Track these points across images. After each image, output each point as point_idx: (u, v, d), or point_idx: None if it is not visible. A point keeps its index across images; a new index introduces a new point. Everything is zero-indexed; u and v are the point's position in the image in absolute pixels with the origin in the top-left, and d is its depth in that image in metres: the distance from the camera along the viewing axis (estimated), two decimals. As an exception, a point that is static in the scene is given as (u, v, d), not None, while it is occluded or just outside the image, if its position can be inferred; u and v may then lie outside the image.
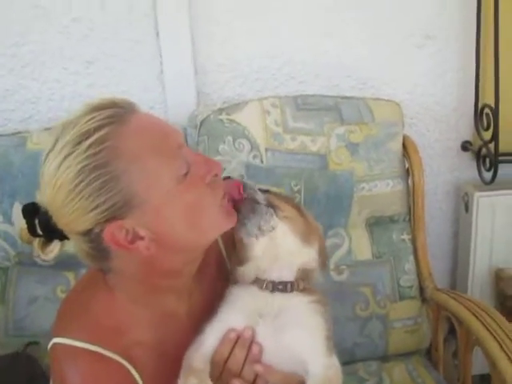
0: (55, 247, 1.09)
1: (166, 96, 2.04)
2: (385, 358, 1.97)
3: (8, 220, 1.80)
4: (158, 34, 1.99)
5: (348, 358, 1.87)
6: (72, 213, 0.99)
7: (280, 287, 1.14)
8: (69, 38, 1.98)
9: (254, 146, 1.85)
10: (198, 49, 2.03)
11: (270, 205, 1.14)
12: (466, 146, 2.29)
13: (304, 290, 1.16)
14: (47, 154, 1.01)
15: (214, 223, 1.09)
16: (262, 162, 1.84)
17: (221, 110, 1.87)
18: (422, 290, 1.99)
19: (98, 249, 1.05)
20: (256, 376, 1.11)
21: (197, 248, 1.12)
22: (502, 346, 1.57)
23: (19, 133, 1.89)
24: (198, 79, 2.05)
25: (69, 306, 1.17)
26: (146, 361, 1.12)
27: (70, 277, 1.83)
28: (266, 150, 1.85)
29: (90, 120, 0.99)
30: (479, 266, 2.26)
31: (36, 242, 1.09)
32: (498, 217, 2.22)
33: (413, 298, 1.97)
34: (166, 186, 1.01)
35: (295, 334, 1.11)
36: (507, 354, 1.54)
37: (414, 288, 1.97)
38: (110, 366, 1.08)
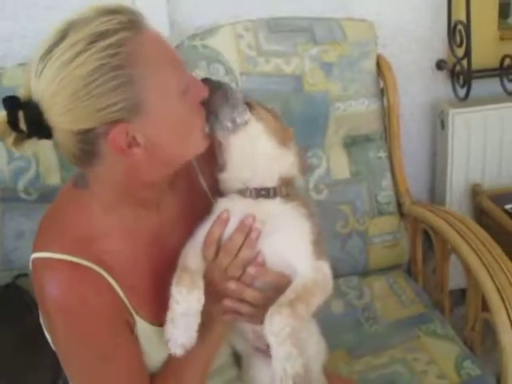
0: (31, 145, 1.07)
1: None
2: (366, 274, 2.03)
3: (-10, 157, 1.81)
4: (127, -36, 1.97)
5: (330, 274, 1.93)
6: (79, 110, 0.99)
7: (263, 193, 1.17)
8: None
9: (228, 71, 1.86)
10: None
11: (247, 103, 1.17)
12: (440, 65, 2.31)
13: (287, 196, 1.18)
14: (50, 50, 0.99)
15: (198, 141, 1.14)
16: (237, 85, 1.85)
17: (194, 36, 1.88)
18: (399, 205, 2.04)
19: (88, 151, 1.06)
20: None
21: (179, 162, 1.15)
22: (475, 252, 1.63)
23: (-6, 70, 1.88)
24: (170, 7, 2.03)
25: (43, 223, 1.20)
26: (120, 268, 1.15)
27: (55, 209, 1.85)
28: (241, 74, 1.87)
29: (106, 21, 0.99)
30: (456, 182, 2.31)
31: (12, 136, 1.06)
32: (473, 133, 2.26)
33: (391, 213, 2.02)
34: (172, 97, 1.05)
35: (281, 237, 1.15)
36: (481, 259, 1.61)
37: (391, 204, 2.02)
38: (84, 273, 1.11)
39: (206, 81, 1.16)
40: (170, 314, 1.12)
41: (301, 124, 1.90)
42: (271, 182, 1.18)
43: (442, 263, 1.87)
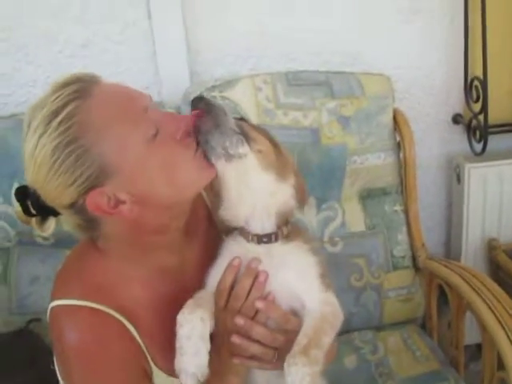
0: (51, 223, 1.14)
1: (160, 76, 2.07)
2: (380, 328, 2.02)
3: (7, 201, 1.83)
4: (149, 16, 2.01)
5: (344, 328, 1.90)
6: (55, 188, 1.04)
7: (265, 240, 1.17)
8: (62, 21, 2.00)
9: (246, 122, 1.87)
10: (189, 29, 2.05)
11: (244, 133, 1.13)
12: (457, 119, 2.32)
13: (288, 236, 1.18)
14: (25, 137, 1.05)
15: (191, 178, 1.12)
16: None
17: (213, 88, 1.90)
18: (414, 259, 2.03)
19: (87, 219, 1.10)
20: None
21: (179, 203, 1.15)
22: (491, 309, 1.61)
23: (16, 115, 1.91)
24: (191, 59, 2.07)
25: (63, 272, 1.21)
26: (141, 316, 1.16)
27: (70, 255, 1.87)
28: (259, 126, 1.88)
29: (57, 98, 1.03)
30: (472, 236, 2.30)
31: (33, 221, 1.13)
32: (489, 187, 2.26)
33: (406, 267, 2.02)
34: (136, 149, 1.05)
35: (289, 273, 1.15)
36: (496, 316, 1.59)
37: (407, 258, 2.02)
38: (104, 319, 1.12)
39: (197, 100, 1.16)
40: (177, 343, 1.10)
41: (318, 176, 1.91)
42: (270, 222, 1.16)
43: (457, 319, 1.85)
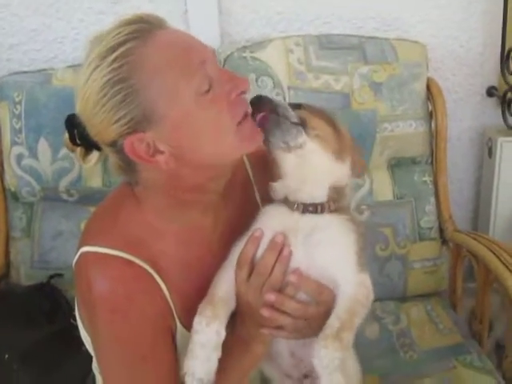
0: (94, 157, 1.14)
1: (191, 35, 2.04)
2: (403, 299, 1.99)
3: (34, 155, 1.83)
4: (182, -26, 1.98)
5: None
6: (99, 123, 1.03)
7: (310, 209, 1.14)
8: (93, -23, 1.98)
9: (276, 84, 1.85)
10: (222, -12, 2.02)
11: (302, 122, 1.13)
12: (491, 92, 2.26)
13: (335, 211, 1.16)
14: (80, 68, 1.05)
15: (233, 142, 1.09)
16: (284, 100, 1.84)
17: (244, 48, 1.88)
18: (442, 231, 2.00)
19: (126, 161, 1.08)
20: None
21: (218, 165, 1.12)
22: (519, 281, 1.58)
23: (45, 70, 1.92)
24: (222, 19, 2.04)
25: (97, 217, 1.20)
26: (170, 271, 1.15)
27: (94, 211, 1.87)
28: (289, 88, 1.85)
29: (116, 35, 1.01)
30: (501, 211, 2.24)
31: (77, 150, 1.14)
32: (521, 162, 2.20)
33: (433, 239, 1.98)
34: (185, 101, 1.03)
35: (325, 251, 1.12)
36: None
37: (434, 229, 1.98)
38: (136, 271, 1.11)
39: (257, 100, 1.14)
40: (190, 345, 1.10)
41: (346, 142, 1.88)
42: (321, 193, 1.15)
43: (483, 293, 1.81)
